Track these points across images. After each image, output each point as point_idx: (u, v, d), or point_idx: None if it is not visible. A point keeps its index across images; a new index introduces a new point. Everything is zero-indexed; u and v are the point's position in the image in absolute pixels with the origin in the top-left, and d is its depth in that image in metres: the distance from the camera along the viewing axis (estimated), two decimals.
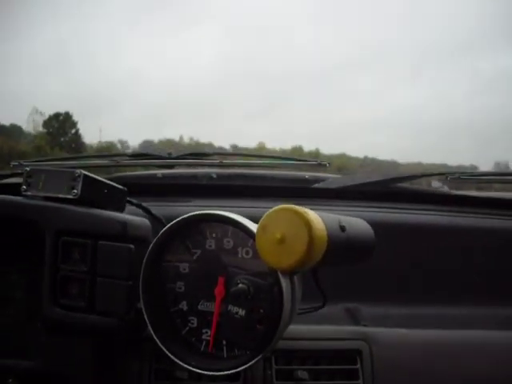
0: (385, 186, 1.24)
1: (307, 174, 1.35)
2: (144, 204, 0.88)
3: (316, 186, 1.26)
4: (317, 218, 0.58)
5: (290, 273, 0.63)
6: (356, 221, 0.76)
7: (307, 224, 0.56)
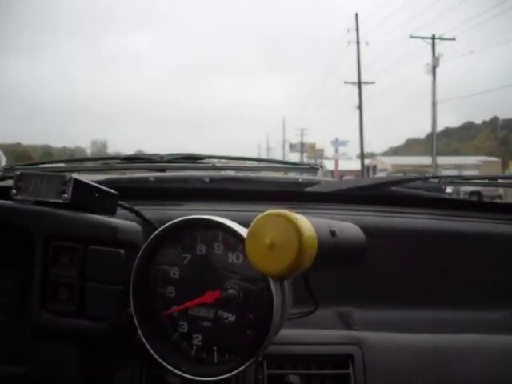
0: (377, 190, 1.24)
1: (300, 178, 1.35)
2: (136, 208, 0.87)
3: (309, 189, 1.26)
4: (307, 223, 0.58)
5: (280, 278, 0.63)
6: (347, 225, 0.76)
7: (297, 230, 0.56)
